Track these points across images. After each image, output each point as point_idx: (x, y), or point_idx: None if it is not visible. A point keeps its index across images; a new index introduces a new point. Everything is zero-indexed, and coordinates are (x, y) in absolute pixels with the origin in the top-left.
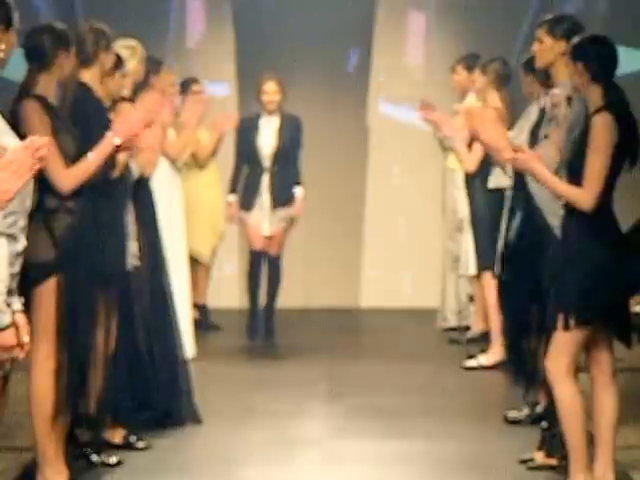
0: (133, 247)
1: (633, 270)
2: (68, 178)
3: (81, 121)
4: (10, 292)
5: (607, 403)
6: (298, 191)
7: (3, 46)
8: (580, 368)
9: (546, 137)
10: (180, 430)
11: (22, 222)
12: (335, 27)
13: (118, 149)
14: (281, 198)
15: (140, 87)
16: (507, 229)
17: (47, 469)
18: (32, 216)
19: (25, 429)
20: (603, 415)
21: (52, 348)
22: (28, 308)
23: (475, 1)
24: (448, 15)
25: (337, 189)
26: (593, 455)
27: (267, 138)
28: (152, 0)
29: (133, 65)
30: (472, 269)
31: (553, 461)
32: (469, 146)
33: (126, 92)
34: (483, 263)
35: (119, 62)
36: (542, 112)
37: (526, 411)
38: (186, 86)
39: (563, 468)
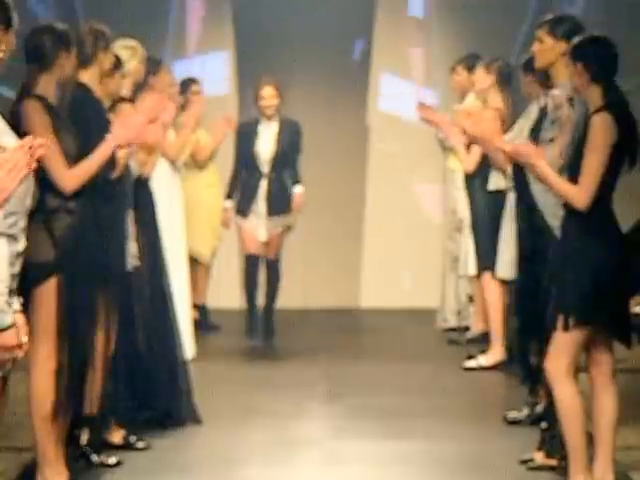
0: (133, 247)
1: (633, 271)
2: (71, 178)
3: (80, 121)
4: (11, 292)
5: (607, 404)
6: (297, 188)
7: (3, 46)
8: (580, 368)
9: (552, 141)
10: (180, 430)
11: (22, 222)
12: (335, 27)
13: (119, 146)
14: (278, 206)
15: (140, 87)
16: (518, 233)
17: (47, 469)
18: (32, 216)
19: (25, 429)
20: (603, 416)
21: (52, 348)
22: (28, 308)
23: (475, 1)
24: (448, 15)
25: (337, 189)
26: (593, 456)
27: (266, 143)
28: (152, 0)
29: (133, 65)
30: (472, 269)
31: (553, 461)
32: (467, 147)
33: (126, 92)
34: (483, 263)
35: (118, 62)
36: (542, 111)
37: (526, 411)
38: (186, 86)
39: (563, 469)
